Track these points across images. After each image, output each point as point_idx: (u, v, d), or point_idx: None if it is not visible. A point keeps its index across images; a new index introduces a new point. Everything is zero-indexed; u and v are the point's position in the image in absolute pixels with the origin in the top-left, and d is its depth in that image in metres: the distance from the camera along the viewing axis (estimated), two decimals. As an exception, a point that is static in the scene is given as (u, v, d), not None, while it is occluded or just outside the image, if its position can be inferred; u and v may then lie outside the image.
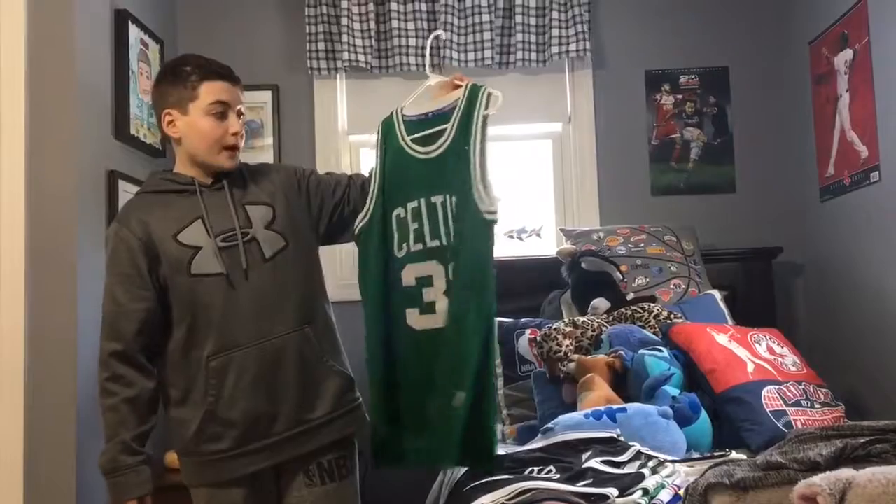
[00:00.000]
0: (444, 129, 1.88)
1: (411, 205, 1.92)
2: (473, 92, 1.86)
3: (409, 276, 1.91)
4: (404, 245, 1.93)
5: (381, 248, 1.97)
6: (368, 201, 2.01)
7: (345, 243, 2.16)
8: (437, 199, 1.87)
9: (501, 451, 1.95)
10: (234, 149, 1.96)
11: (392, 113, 2.04)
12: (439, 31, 1.91)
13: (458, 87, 1.91)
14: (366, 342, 1.98)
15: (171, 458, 2.80)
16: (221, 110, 1.93)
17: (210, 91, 1.92)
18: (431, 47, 2.09)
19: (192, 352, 1.90)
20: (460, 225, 1.82)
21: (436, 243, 1.87)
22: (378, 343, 1.95)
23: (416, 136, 1.95)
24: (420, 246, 1.90)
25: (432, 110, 1.94)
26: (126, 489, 1.88)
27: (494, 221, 1.79)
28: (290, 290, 1.95)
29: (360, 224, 2.00)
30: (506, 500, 1.60)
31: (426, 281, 1.88)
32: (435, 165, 1.89)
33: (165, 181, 1.98)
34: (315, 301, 2.01)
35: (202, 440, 1.91)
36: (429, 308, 1.87)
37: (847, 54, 2.90)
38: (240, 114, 1.97)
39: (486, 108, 1.83)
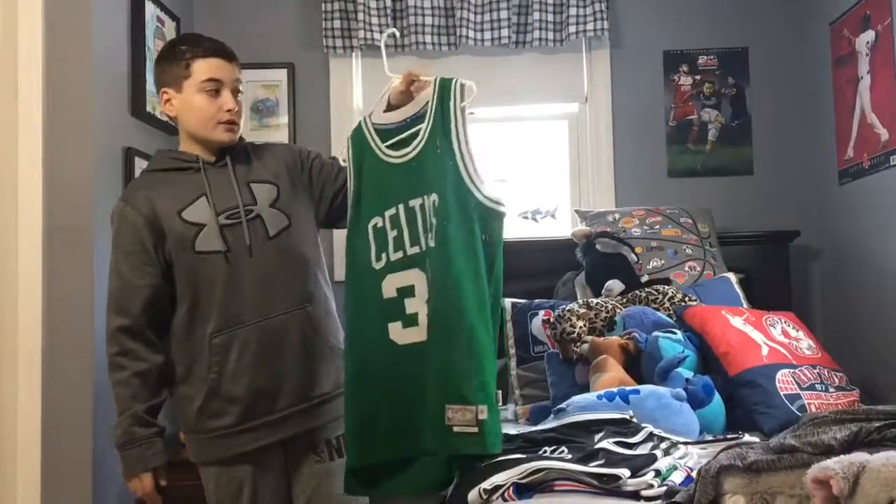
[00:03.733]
0: (419, 130, 1.83)
1: (389, 213, 1.86)
2: (444, 86, 1.82)
3: (389, 287, 1.84)
4: (383, 255, 1.86)
5: (357, 261, 1.92)
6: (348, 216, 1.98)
7: (344, 229, 2.10)
8: (416, 203, 1.81)
9: (513, 430, 1.96)
10: (229, 123, 1.96)
11: (360, 123, 2.01)
12: (392, 30, 1.93)
13: (416, 83, 1.89)
14: (344, 369, 1.93)
15: (187, 433, 2.83)
16: (214, 87, 1.94)
17: (203, 69, 1.94)
18: (387, 46, 2.08)
19: (196, 328, 1.92)
20: (444, 224, 1.74)
21: (415, 250, 1.80)
22: (358, 366, 1.89)
23: (391, 141, 1.90)
24: (400, 254, 1.83)
25: (409, 115, 1.89)
26: (139, 461, 1.91)
27: (504, 213, 1.78)
28: (292, 268, 1.97)
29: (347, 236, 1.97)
30: (518, 479, 1.60)
31: (408, 291, 1.80)
32: (411, 169, 1.84)
33: (170, 159, 2.00)
34: (315, 281, 2.02)
35: (205, 416, 1.94)
36: (411, 320, 1.79)
37: (869, 35, 2.86)
38: (236, 91, 1.98)
39: (462, 99, 1.80)
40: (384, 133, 1.93)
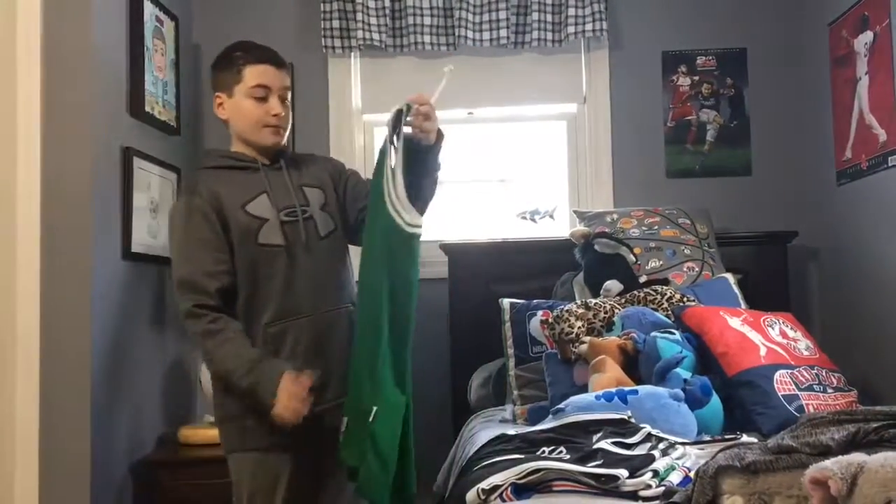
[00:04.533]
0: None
1: None
2: (395, 115, 1.97)
3: None
4: None
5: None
6: None
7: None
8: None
9: (512, 431, 1.96)
10: (275, 127, 2.08)
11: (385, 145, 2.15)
12: (451, 66, 2.12)
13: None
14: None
15: (186, 433, 2.83)
16: (263, 94, 2.05)
17: (253, 75, 2.05)
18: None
19: (252, 317, 2.00)
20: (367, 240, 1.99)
21: None
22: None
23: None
24: None
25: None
26: (270, 379, 1.91)
27: (417, 235, 1.95)
28: (338, 269, 2.12)
29: None
30: (516, 479, 1.60)
31: None
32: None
33: (228, 158, 2.11)
34: (351, 284, 2.17)
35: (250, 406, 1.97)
36: None
37: (867, 36, 2.86)
38: (283, 97, 2.09)
39: (403, 121, 1.96)
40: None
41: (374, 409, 1.88)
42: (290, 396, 1.89)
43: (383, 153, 1.97)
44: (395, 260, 1.94)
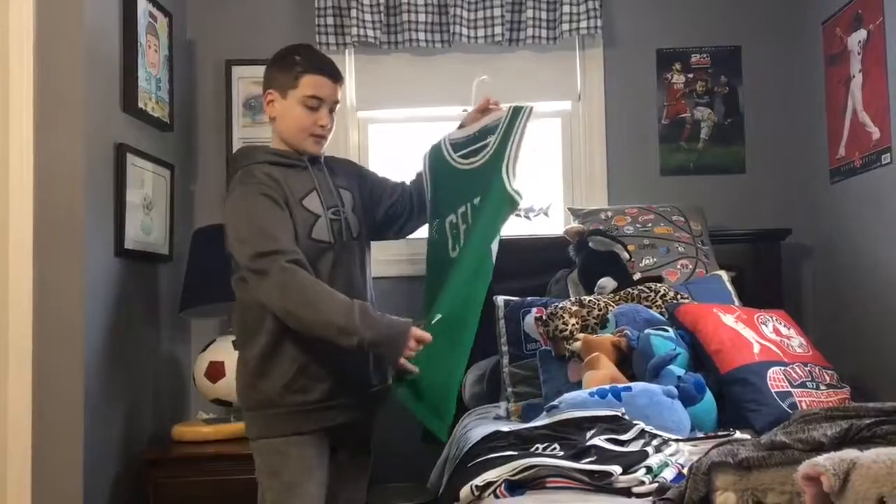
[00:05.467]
0: (488, 143, 2.19)
1: (460, 210, 2.18)
2: (516, 111, 2.18)
3: None
4: (456, 246, 2.18)
5: (436, 252, 2.27)
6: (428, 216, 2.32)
7: (389, 240, 2.48)
8: (477, 200, 2.14)
9: (506, 427, 1.96)
10: (319, 137, 2.13)
11: (439, 142, 2.36)
12: (484, 77, 2.25)
13: (490, 109, 2.26)
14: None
15: (179, 430, 2.83)
16: (315, 105, 2.10)
17: (309, 84, 2.09)
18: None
19: None
20: (481, 204, 2.11)
21: None
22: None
23: (462, 152, 2.27)
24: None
25: (477, 129, 2.26)
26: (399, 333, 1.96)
27: (517, 202, 2.11)
28: (365, 267, 2.21)
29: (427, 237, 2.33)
30: (510, 476, 1.61)
31: None
32: (477, 174, 2.19)
33: (276, 155, 2.13)
34: (370, 286, 2.24)
35: (291, 391, 2.02)
36: None
37: (861, 34, 2.87)
38: (332, 110, 2.14)
39: (528, 119, 2.17)
40: (455, 145, 2.31)
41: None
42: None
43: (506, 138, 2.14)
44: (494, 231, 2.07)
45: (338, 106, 2.17)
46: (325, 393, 2.03)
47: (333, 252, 2.08)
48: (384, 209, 2.30)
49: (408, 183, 2.38)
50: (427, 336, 1.95)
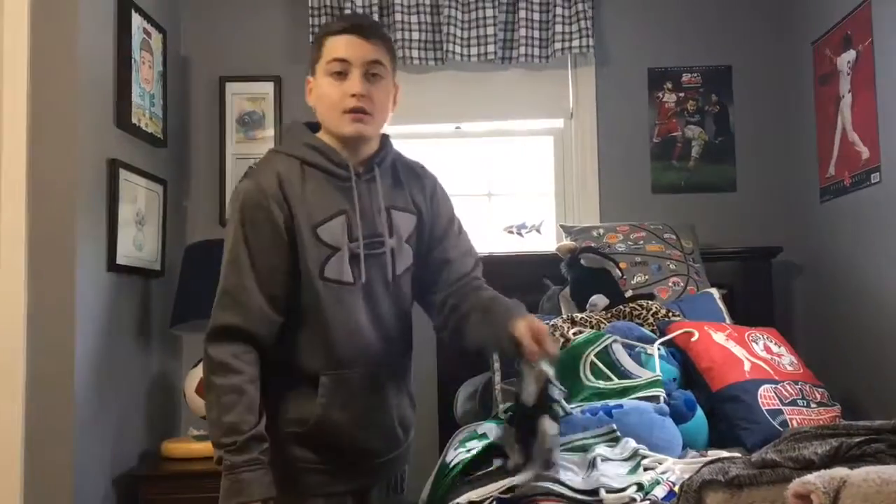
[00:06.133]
0: None
1: None
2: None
3: None
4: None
5: None
6: None
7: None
8: None
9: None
10: (357, 112, 1.65)
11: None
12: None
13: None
14: None
15: (169, 447, 2.81)
16: (339, 69, 1.65)
17: (330, 48, 1.67)
18: None
19: (302, 358, 1.68)
20: None
21: None
22: None
23: None
24: None
25: None
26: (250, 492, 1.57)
27: None
28: (404, 312, 1.77)
29: None
30: (500, 493, 1.60)
31: None
32: None
33: (312, 149, 1.69)
34: (411, 329, 1.83)
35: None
36: None
37: (850, 55, 2.90)
38: (374, 74, 1.66)
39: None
40: None
41: None
42: None
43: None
44: None
45: (387, 71, 1.70)
46: (327, 456, 1.67)
47: (354, 294, 1.65)
48: (424, 288, 1.79)
49: (483, 293, 1.77)
50: None
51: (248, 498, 1.53)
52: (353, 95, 1.64)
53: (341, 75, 1.66)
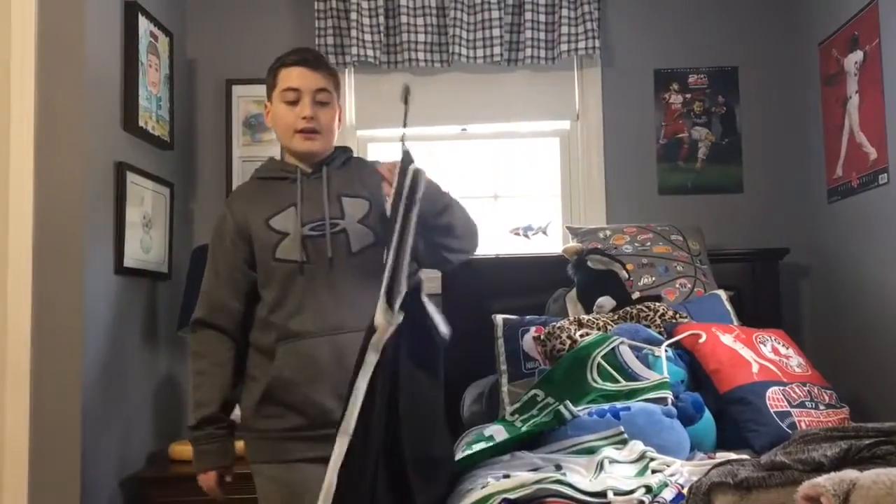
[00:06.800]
0: None
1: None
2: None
3: None
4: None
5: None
6: None
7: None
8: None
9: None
10: (307, 132, 2.01)
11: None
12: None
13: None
14: None
15: (176, 449, 2.82)
16: (293, 98, 2.00)
17: (284, 78, 2.02)
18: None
19: (269, 330, 1.99)
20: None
21: None
22: None
23: None
24: None
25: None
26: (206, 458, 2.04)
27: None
28: (368, 287, 1.85)
29: None
30: (508, 495, 1.59)
31: None
32: None
33: (274, 168, 2.10)
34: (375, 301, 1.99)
35: (260, 416, 1.98)
36: None
37: (857, 56, 2.89)
38: (321, 101, 2.02)
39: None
40: None
41: None
42: (207, 488, 2.02)
43: None
44: None
45: (332, 97, 2.04)
46: (296, 424, 1.94)
47: (302, 271, 1.95)
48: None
49: None
50: (211, 492, 2.01)
51: (205, 466, 1.99)
52: (304, 118, 2.00)
53: (294, 103, 2.01)
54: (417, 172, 1.66)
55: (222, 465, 2.00)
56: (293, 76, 2.01)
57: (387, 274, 1.59)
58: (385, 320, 1.57)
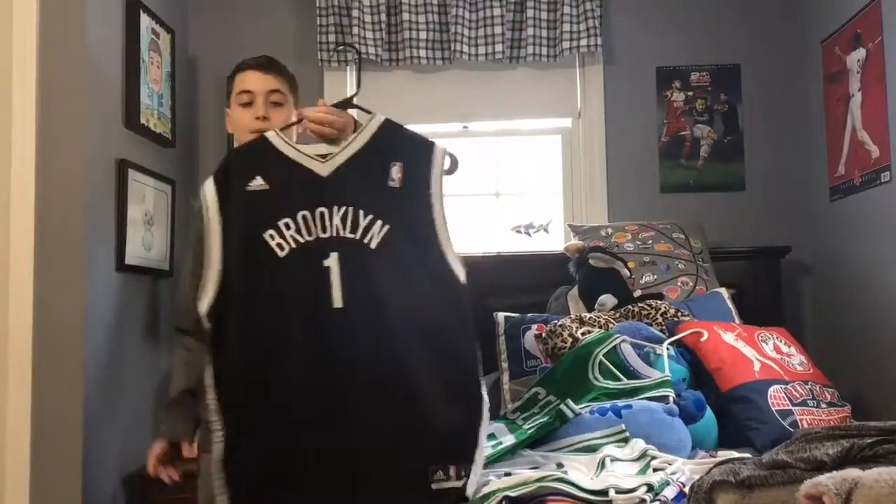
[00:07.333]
0: None
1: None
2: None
3: None
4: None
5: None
6: None
7: None
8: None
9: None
10: (260, 133, 1.96)
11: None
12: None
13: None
14: None
15: (177, 446, 2.82)
16: (248, 100, 2.06)
17: (239, 82, 2.08)
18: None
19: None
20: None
21: None
22: None
23: None
24: None
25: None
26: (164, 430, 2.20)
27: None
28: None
29: None
30: (510, 492, 1.59)
31: None
32: None
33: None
34: None
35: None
36: None
37: (860, 53, 2.89)
38: (275, 102, 2.07)
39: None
40: None
41: None
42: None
43: None
44: None
45: (286, 99, 2.10)
46: None
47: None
48: None
49: None
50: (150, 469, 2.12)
51: (160, 436, 2.14)
52: (258, 118, 2.04)
53: (248, 104, 2.06)
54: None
55: (172, 438, 2.11)
56: (247, 79, 2.07)
57: None
58: None
